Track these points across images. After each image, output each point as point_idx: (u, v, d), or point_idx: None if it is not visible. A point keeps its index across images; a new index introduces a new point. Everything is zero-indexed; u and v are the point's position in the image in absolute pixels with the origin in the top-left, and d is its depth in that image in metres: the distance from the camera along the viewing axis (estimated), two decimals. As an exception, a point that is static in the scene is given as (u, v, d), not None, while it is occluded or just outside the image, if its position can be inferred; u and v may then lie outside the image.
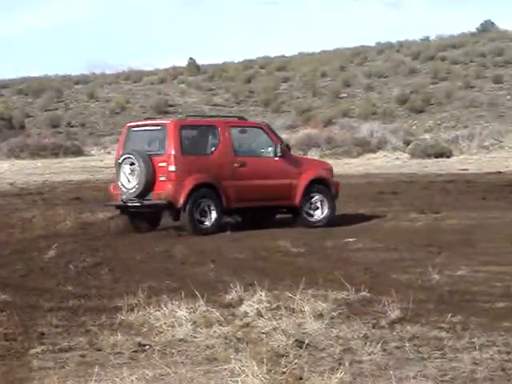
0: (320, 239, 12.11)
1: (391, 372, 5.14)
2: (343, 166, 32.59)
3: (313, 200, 14.32)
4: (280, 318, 6.54)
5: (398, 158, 36.26)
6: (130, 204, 13.78)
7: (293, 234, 12.56)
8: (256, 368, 4.99)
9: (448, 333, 6.16)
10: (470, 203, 17.22)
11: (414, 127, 53.15)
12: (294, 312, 6.75)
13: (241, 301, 7.26)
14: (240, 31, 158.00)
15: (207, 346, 5.94)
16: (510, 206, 16.62)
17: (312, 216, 14.31)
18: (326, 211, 14.35)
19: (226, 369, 5.26)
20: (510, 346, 5.74)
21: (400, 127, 47.89)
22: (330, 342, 5.96)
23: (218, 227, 13.50)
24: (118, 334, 6.22)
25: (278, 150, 14.21)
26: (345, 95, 67.60)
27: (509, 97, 59.25)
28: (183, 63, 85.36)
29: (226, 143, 14.00)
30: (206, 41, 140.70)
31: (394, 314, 6.64)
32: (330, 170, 15.18)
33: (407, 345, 5.81)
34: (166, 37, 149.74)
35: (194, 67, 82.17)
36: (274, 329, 6.22)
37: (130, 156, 13.67)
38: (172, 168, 13.42)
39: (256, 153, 14.69)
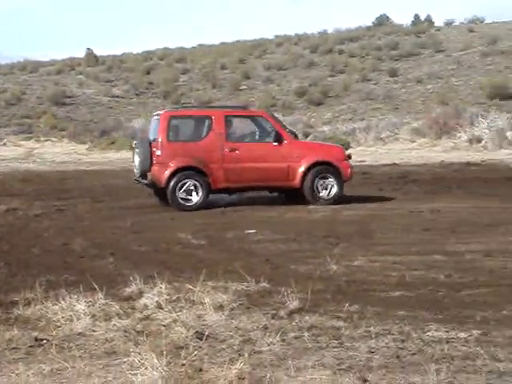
0: (221, 231, 12.12)
1: (290, 362, 5.21)
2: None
3: (320, 181, 15.66)
4: (180, 310, 6.55)
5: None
6: (139, 181, 16.18)
7: (194, 227, 12.55)
8: (156, 361, 4.99)
9: (345, 322, 6.28)
10: (367, 194, 17.49)
11: (313, 119, 53.71)
12: (194, 304, 6.76)
13: (140, 293, 7.22)
14: (139, 23, 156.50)
15: (106, 340, 5.90)
16: (406, 196, 16.99)
17: (320, 195, 15.66)
18: (333, 191, 15.74)
19: (125, 362, 5.23)
20: (404, 334, 5.90)
21: (299, 119, 48.36)
22: (230, 333, 6.00)
23: (205, 204, 15.18)
24: (14, 329, 6.11)
25: (278, 136, 15.56)
26: (244, 87, 67.90)
27: (404, 90, 60.54)
28: (81, 54, 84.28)
29: (218, 131, 15.49)
30: (105, 32, 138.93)
31: (293, 304, 6.72)
32: (339, 153, 16.39)
33: (306, 335, 5.90)
34: (64, 27, 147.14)
35: (92, 58, 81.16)
36: (174, 321, 6.23)
37: (136, 142, 16.30)
38: (158, 152, 15.27)
39: (253, 139, 16.12)
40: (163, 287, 7.17)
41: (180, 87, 70.31)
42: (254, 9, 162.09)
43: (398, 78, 64.06)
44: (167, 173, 15.13)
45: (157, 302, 6.84)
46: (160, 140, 15.30)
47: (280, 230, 12.13)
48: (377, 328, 6.04)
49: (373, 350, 5.54)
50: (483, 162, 27.11)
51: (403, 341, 5.76)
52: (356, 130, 40.75)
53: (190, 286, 7.18)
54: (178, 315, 6.36)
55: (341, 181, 15.88)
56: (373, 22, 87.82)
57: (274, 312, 6.62)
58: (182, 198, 15.17)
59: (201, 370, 5.09)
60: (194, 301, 6.84)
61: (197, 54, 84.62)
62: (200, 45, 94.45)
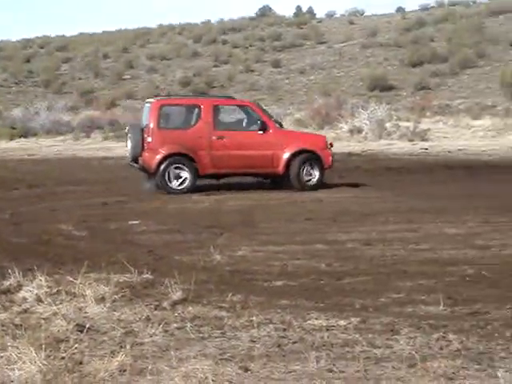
0: (103, 222, 11.97)
1: (172, 353, 5.20)
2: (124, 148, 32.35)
3: (303, 168, 16.31)
4: (60, 303, 6.44)
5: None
6: (132, 165, 16.80)
7: (75, 218, 12.34)
8: (34, 354, 4.89)
9: (228, 312, 6.31)
10: (251, 185, 17.58)
11: (197, 110, 53.59)
12: (75, 296, 6.66)
13: (19, 286, 7.06)
14: (16, 10, 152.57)
15: (-18, 335, 5.74)
16: (289, 187, 17.16)
17: (305, 181, 16.32)
18: (315, 177, 16.38)
19: (1, 357, 5.10)
20: (286, 323, 5.97)
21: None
22: (112, 326, 5.94)
23: (193, 188, 15.81)
24: None
25: (263, 125, 16.22)
26: (128, 77, 67.12)
27: (287, 81, 61.16)
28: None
29: (207, 119, 16.18)
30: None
31: (176, 295, 6.71)
32: (321, 142, 17.07)
33: (188, 325, 5.90)
34: None
35: (-32, 45, 78.61)
36: (54, 314, 6.12)
37: (128, 128, 16.97)
38: (149, 139, 15.97)
39: (239, 127, 16.84)
40: (43, 280, 7.03)
41: (62, 76, 68.94)
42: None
43: (282, 68, 64.64)
44: (157, 158, 15.80)
45: (36, 294, 6.70)
46: (151, 127, 15.96)
47: (164, 220, 12.09)
48: (259, 317, 6.09)
49: (255, 340, 5.59)
50: (364, 152, 27.66)
51: (285, 329, 5.83)
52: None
53: (71, 279, 7.07)
54: (58, 308, 6.25)
55: (322, 168, 16.51)
56: (256, 13, 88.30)
57: (156, 303, 6.59)
58: (170, 183, 15.82)
59: (81, 362, 5.02)
60: (74, 293, 6.73)
61: (78, 42, 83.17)
62: (81, 33, 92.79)
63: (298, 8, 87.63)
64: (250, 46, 73.18)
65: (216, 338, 5.66)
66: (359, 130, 34.09)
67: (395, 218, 11.83)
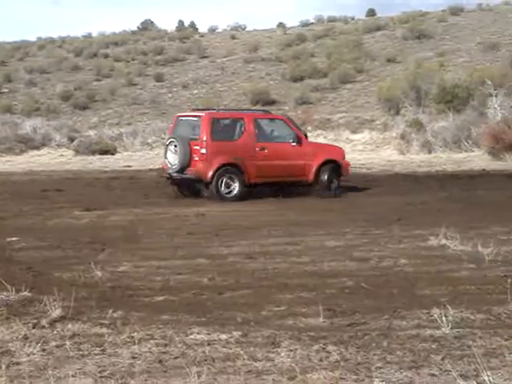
0: (-20, 240, 11.62)
1: (50, 371, 5.10)
2: (5, 164, 31.66)
3: (325, 176, 17.96)
4: None
5: (62, 155, 35.82)
6: (174, 176, 17.68)
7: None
8: None
9: (109, 329, 6.24)
10: (134, 200, 17.46)
11: (79, 124, 52.89)
12: None
13: None
14: None
15: None
16: (171, 201, 17.13)
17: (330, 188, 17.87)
18: (335, 184, 18.03)
19: None
20: (167, 339, 5.94)
21: (64, 124, 47.38)
22: (-12, 347, 5.78)
23: (241, 197, 17.10)
24: None
25: (296, 137, 17.92)
26: (6, 91, 65.60)
27: (170, 95, 61.05)
28: None
29: (250, 132, 17.57)
30: None
31: (56, 312, 6.58)
32: (341, 153, 18.90)
33: (67, 343, 5.80)
34: None
35: None
36: None
37: (173, 140, 17.64)
38: (203, 151, 17.09)
39: (276, 139, 18.23)
40: None
41: None
42: (13, 9, 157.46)
43: (164, 82, 64.47)
44: (213, 168, 17.01)
45: None
46: (205, 139, 17.08)
47: (44, 236, 11.83)
48: (140, 333, 6.04)
49: (135, 356, 5.54)
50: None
51: (166, 345, 5.81)
52: (123, 134, 40.48)
53: None
54: None
55: (340, 176, 18.33)
56: (138, 27, 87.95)
57: (35, 321, 6.45)
58: (222, 191, 17.15)
59: (-45, 386, 4.87)
60: None
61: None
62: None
63: (180, 22, 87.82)
64: (132, 59, 72.76)
65: (96, 355, 5.58)
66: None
67: (277, 231, 11.95)
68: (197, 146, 17.20)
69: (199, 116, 17.78)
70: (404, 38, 67.57)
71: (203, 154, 17.08)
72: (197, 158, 17.20)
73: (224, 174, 17.18)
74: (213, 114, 17.85)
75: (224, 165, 17.19)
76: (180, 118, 18.76)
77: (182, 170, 17.42)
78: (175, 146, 17.53)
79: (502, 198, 16.13)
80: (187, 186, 18.09)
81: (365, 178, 21.65)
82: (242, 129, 17.66)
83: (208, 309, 6.96)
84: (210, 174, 17.02)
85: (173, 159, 17.65)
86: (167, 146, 18.04)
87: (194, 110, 22.61)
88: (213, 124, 17.35)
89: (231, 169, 17.30)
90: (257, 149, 17.55)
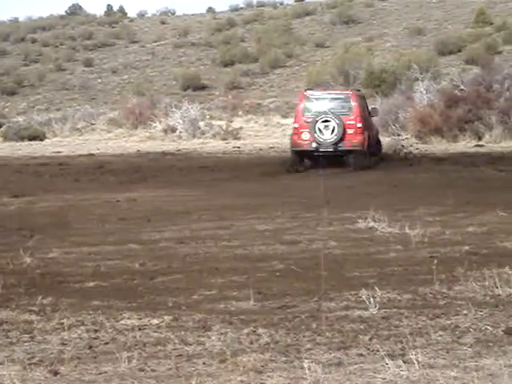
0: None
1: (-23, 360, 5.05)
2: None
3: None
4: None
5: (-11, 141, 35.33)
6: (322, 150, 19.58)
7: None
8: None
9: (38, 315, 6.19)
10: (63, 186, 17.30)
11: (7, 109, 52.07)
12: None
13: None
14: None
15: None
16: (102, 187, 17.01)
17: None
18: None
19: None
20: (97, 325, 5.93)
21: (-9, 109, 46.64)
22: None
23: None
24: None
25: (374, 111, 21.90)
26: None
27: (100, 80, 60.44)
28: None
29: (365, 107, 20.89)
30: None
31: (-17, 301, 6.50)
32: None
33: (-4, 331, 5.74)
34: None
35: None
36: None
37: (328, 116, 19.43)
38: (359, 125, 19.44)
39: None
40: None
41: None
42: None
43: (94, 68, 63.84)
44: (367, 140, 19.69)
45: None
46: (360, 115, 19.62)
47: (-30, 224, 11.64)
48: (70, 320, 6.01)
49: (65, 342, 5.51)
50: (178, 151, 27.82)
51: (96, 331, 5.78)
52: (52, 120, 40.03)
53: None
54: None
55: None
56: (66, 11, 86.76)
57: (-38, 311, 6.36)
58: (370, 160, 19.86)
59: None
60: None
61: None
62: None
63: (109, 7, 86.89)
64: (61, 44, 71.79)
65: (25, 342, 5.53)
66: (173, 130, 34.30)
67: (208, 215, 11.98)
68: (351, 120, 19.43)
69: (347, 93, 20.42)
70: (332, 23, 68.11)
71: (359, 127, 19.49)
72: (351, 132, 19.40)
73: (371, 145, 20.34)
74: (356, 93, 21.12)
75: (369, 137, 20.15)
76: (312, 95, 20.35)
77: (336, 143, 19.43)
78: (325, 121, 19.41)
79: (429, 181, 16.41)
80: (333, 159, 19.62)
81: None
82: (365, 106, 21.06)
83: (139, 294, 6.96)
84: (366, 144, 19.69)
85: (328, 134, 19.40)
86: (316, 122, 19.53)
87: (315, 87, 26.20)
88: (359, 101, 20.06)
89: (373, 140, 20.94)
90: (369, 121, 21.10)
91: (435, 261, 7.46)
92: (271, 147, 27.80)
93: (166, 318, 6.09)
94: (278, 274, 7.75)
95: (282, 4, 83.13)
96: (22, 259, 8.49)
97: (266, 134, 33.87)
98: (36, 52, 68.74)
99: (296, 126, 20.05)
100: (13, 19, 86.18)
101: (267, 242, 9.56)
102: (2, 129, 37.16)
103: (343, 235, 9.90)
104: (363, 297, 6.48)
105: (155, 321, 6.03)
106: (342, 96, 20.15)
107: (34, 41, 73.53)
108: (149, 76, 59.88)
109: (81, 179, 18.80)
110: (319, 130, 19.40)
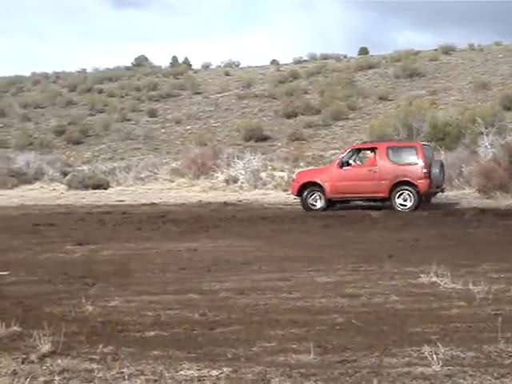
0: (-30, 274, 11.60)
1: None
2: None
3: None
4: None
5: (54, 189, 35.93)
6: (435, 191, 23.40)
7: None
8: None
9: (99, 364, 6.21)
10: (126, 234, 17.47)
11: (72, 158, 52.99)
12: None
13: None
14: None
15: None
16: (163, 236, 17.13)
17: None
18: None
19: None
20: (157, 375, 5.92)
21: (57, 158, 47.52)
22: (-23, 381, 5.75)
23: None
24: None
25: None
26: (0, 125, 65.77)
27: (163, 130, 61.22)
28: None
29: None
30: None
31: (45, 347, 6.55)
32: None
33: (57, 378, 5.77)
34: None
35: None
36: None
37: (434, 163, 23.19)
38: (424, 170, 22.29)
39: None
40: None
41: None
42: (8, 45, 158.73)
43: (158, 118, 64.72)
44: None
45: None
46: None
47: (35, 271, 11.82)
48: (130, 369, 6.02)
49: (122, 392, 5.52)
50: (239, 201, 27.90)
51: (156, 381, 5.78)
52: (116, 169, 40.62)
53: None
54: None
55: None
56: (132, 63, 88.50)
57: (24, 356, 6.42)
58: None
59: None
60: None
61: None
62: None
63: (175, 58, 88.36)
64: (126, 95, 73.08)
65: (85, 390, 5.56)
66: (235, 180, 34.44)
67: (268, 267, 11.95)
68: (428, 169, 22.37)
69: (413, 145, 23.21)
70: (396, 76, 68.11)
71: (425, 172, 22.20)
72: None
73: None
74: (423, 144, 24.16)
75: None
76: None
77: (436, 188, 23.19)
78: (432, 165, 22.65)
79: (493, 237, 16.15)
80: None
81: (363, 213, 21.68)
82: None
83: (199, 344, 6.95)
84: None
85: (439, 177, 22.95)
86: (431, 164, 22.67)
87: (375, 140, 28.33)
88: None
89: None
90: None
91: (500, 318, 7.31)
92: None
93: (225, 369, 6.06)
94: (338, 327, 7.67)
95: (345, 57, 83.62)
96: (84, 307, 8.57)
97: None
98: (102, 102, 70.04)
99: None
100: (81, 70, 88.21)
101: (328, 294, 9.49)
102: (67, 177, 37.78)
103: (405, 290, 9.77)
104: (426, 353, 6.36)
105: (214, 372, 6.00)
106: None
107: (100, 91, 74.99)
108: (211, 126, 60.49)
109: (143, 228, 18.96)
110: (436, 172, 22.90)
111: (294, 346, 6.86)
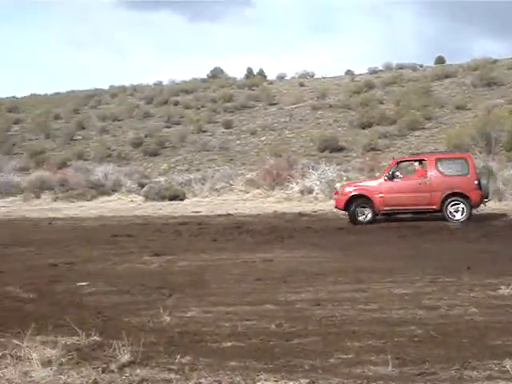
0: (52, 284, 11.84)
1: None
2: (77, 209, 32.21)
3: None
4: (5, 367, 6.33)
5: (132, 201, 36.40)
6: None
7: (23, 280, 12.19)
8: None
9: (177, 374, 6.26)
10: (202, 245, 17.59)
11: (149, 170, 53.61)
12: (20, 360, 6.54)
13: (-35, 351, 6.92)
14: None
15: None
16: (239, 246, 17.19)
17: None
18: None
19: None
20: (234, 385, 5.94)
21: (135, 170, 48.14)
22: (58, 390, 5.85)
23: None
24: None
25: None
26: (79, 137, 67.03)
27: (238, 141, 61.51)
28: None
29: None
30: None
31: (125, 357, 6.64)
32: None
33: (136, 388, 5.84)
34: None
35: None
36: (-1, 379, 6.00)
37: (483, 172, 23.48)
38: (476, 181, 22.06)
39: None
40: (-12, 344, 6.91)
41: (12, 137, 68.57)
42: (87, 59, 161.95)
43: (233, 129, 65.03)
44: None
45: (-19, 359, 6.58)
46: (476, 175, 22.17)
47: (113, 281, 11.99)
48: (208, 379, 6.05)
49: (203, 402, 5.55)
50: (314, 212, 27.83)
51: (233, 391, 5.80)
52: (192, 180, 40.94)
53: (17, 342, 6.96)
54: (2, 372, 6.14)
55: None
56: (207, 75, 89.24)
57: (104, 366, 6.51)
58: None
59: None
60: (20, 357, 6.62)
61: (29, 103, 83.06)
62: (33, 94, 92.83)
63: (249, 70, 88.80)
64: (202, 106, 73.68)
65: (164, 401, 5.61)
66: (310, 191, 34.36)
67: (344, 277, 11.88)
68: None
69: (463, 157, 22.63)
70: (473, 85, 67.09)
71: (476, 184, 21.97)
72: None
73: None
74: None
75: None
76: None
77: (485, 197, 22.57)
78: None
79: None
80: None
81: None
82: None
83: (276, 355, 6.94)
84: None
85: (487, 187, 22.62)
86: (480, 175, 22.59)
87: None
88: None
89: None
90: None
91: None
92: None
93: (302, 381, 6.04)
94: (416, 339, 7.57)
95: (421, 66, 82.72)
96: (161, 317, 8.66)
97: (404, 196, 33.40)
98: (178, 114, 70.73)
99: None
100: (157, 83, 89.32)
101: (405, 306, 9.38)
102: (144, 189, 38.24)
103: (484, 301, 9.60)
104: (507, 366, 6.24)
105: (291, 383, 5.99)
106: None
107: (176, 103, 75.74)
108: (286, 137, 60.51)
109: (219, 239, 19.07)
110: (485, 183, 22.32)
111: (372, 357, 6.80)
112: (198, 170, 50.02)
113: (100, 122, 70.49)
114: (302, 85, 79.53)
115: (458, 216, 21.88)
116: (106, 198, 37.76)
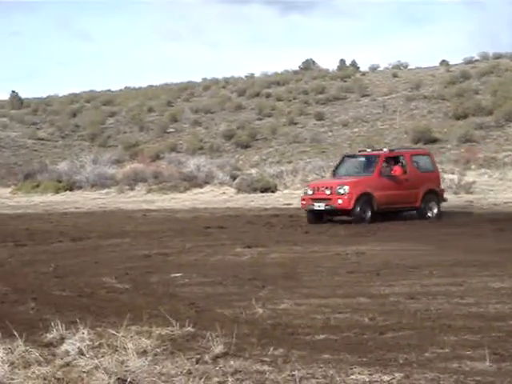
0: (146, 275, 12.00)
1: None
2: (170, 201, 32.64)
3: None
4: (102, 356, 6.42)
5: (224, 193, 36.65)
6: None
7: (118, 271, 12.39)
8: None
9: (270, 366, 6.24)
10: (294, 237, 17.57)
11: (241, 162, 53.94)
12: (116, 349, 6.63)
13: (62, 339, 7.06)
14: (64, 65, 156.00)
15: (25, 388, 5.74)
16: (331, 239, 17.12)
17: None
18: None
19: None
20: (328, 378, 5.88)
21: (227, 162, 48.46)
22: (153, 379, 5.91)
23: None
24: None
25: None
26: (172, 130, 67.89)
27: (330, 133, 61.28)
28: (5, 97, 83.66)
29: None
30: (29, 75, 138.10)
31: (218, 348, 6.65)
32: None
33: (230, 379, 5.84)
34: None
35: (16, 101, 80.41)
36: (96, 367, 6.10)
37: None
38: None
39: None
40: (85, 333, 7.03)
41: (107, 130, 69.94)
42: (181, 52, 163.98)
43: (325, 121, 64.84)
44: None
45: (78, 347, 6.69)
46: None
47: (206, 273, 12.08)
48: (301, 372, 6.01)
49: (295, 395, 5.52)
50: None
51: (326, 384, 5.75)
52: (283, 172, 40.94)
53: (113, 332, 7.06)
54: (99, 361, 6.23)
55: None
56: (299, 67, 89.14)
57: (198, 356, 6.54)
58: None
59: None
60: (116, 346, 6.71)
61: (124, 96, 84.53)
62: (127, 87, 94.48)
63: (342, 61, 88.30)
64: (294, 98, 73.64)
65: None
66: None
67: (439, 271, 11.68)
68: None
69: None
70: None
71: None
72: None
73: None
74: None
75: None
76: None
77: None
78: None
79: None
80: None
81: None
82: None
83: (369, 349, 6.86)
84: None
85: None
86: None
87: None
88: None
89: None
90: None
91: None
92: (506, 202, 26.84)
93: (396, 374, 5.95)
94: (515, 334, 7.38)
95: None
96: (254, 309, 8.66)
97: (501, 189, 32.71)
98: (270, 106, 70.93)
99: None
100: (249, 75, 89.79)
101: (503, 300, 9.16)
102: (236, 181, 38.45)
103: None
104: None
105: (386, 377, 5.91)
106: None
107: (268, 95, 75.98)
108: (379, 129, 60.01)
109: (311, 231, 19.02)
110: None
111: (468, 352, 6.65)
112: (289, 162, 50.05)
113: (193, 115, 71.20)
114: (395, 76, 78.71)
115: (432, 213, 22.14)
116: (198, 189, 38.11)
